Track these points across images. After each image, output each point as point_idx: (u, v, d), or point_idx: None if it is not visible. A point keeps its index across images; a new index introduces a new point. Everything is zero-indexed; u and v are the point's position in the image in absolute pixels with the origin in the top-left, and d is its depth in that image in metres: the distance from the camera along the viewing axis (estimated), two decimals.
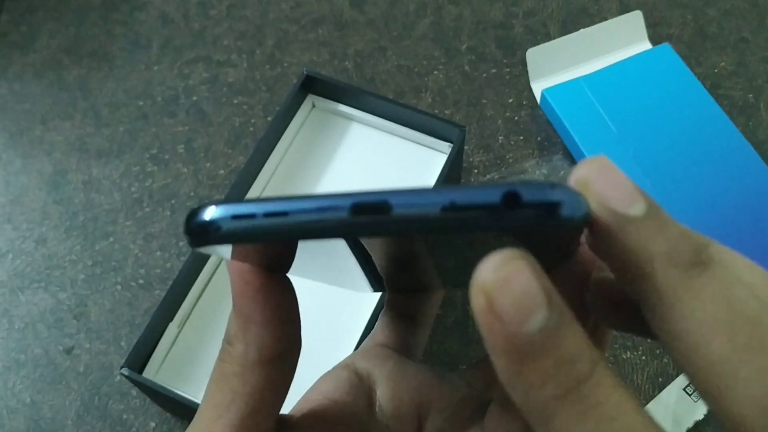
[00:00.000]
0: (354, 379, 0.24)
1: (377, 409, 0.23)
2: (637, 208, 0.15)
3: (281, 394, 0.20)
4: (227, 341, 0.20)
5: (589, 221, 0.15)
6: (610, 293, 0.18)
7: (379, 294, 0.41)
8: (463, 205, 0.14)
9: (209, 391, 0.20)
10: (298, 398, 0.24)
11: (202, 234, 0.15)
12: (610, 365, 0.14)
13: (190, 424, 0.20)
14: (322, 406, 0.23)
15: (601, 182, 0.15)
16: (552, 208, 0.14)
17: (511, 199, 0.14)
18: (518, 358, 0.13)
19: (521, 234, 0.14)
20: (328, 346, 0.43)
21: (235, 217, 0.15)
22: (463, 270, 0.20)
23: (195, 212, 0.16)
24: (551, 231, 0.14)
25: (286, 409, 0.21)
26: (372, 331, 0.28)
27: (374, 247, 0.18)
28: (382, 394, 0.24)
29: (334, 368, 0.25)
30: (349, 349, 0.42)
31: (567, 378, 0.13)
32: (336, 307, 0.44)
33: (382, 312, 0.28)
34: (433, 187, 0.14)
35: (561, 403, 0.13)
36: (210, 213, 0.15)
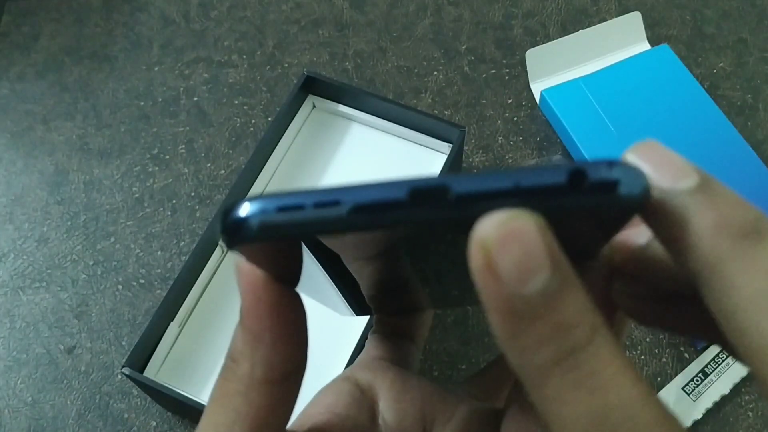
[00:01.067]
0: (356, 392, 0.23)
1: (380, 422, 0.22)
2: (689, 181, 0.14)
3: (286, 413, 0.19)
4: (231, 358, 0.18)
5: (649, 197, 0.14)
6: (635, 287, 0.18)
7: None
8: (526, 187, 0.13)
9: (210, 409, 0.19)
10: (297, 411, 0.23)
11: (244, 230, 0.14)
12: (610, 334, 0.13)
13: None
14: (324, 420, 0.22)
15: (653, 159, 0.15)
16: (615, 185, 0.13)
17: (577, 177, 0.13)
18: (515, 319, 0.13)
19: (573, 216, 0.14)
20: (323, 355, 0.43)
21: (282, 209, 0.14)
22: (460, 286, 0.19)
23: (233, 207, 0.14)
24: (613, 209, 0.14)
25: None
26: (365, 347, 0.27)
27: (364, 264, 0.17)
28: (385, 407, 0.23)
29: (335, 380, 0.24)
30: (343, 357, 0.42)
31: (563, 344, 0.13)
32: (329, 316, 0.44)
33: (371, 331, 0.27)
34: (489, 170, 0.13)
35: (555, 369, 0.13)
36: (249, 207, 0.14)
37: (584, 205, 0.13)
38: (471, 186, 0.13)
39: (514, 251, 0.12)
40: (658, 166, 0.15)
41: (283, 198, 0.14)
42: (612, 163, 0.13)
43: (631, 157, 0.15)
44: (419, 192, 0.13)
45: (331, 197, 0.13)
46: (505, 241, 0.12)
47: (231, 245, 0.14)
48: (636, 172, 0.13)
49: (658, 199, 0.14)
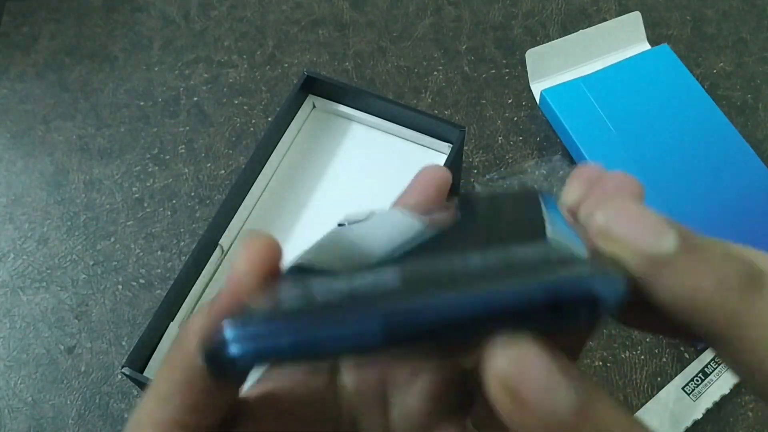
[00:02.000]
0: None
1: (338, 389, 0.22)
2: (668, 241, 0.14)
3: (236, 391, 0.19)
4: (189, 329, 0.18)
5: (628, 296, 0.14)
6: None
7: None
8: (509, 312, 0.13)
9: (156, 376, 0.18)
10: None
11: (226, 371, 0.15)
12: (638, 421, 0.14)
13: (136, 410, 0.19)
14: (278, 387, 0.21)
15: (622, 224, 0.14)
16: (595, 302, 0.13)
17: (554, 303, 0.13)
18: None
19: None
20: None
21: (258, 351, 0.14)
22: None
23: (215, 349, 0.15)
24: (592, 318, 0.13)
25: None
26: None
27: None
28: (344, 371, 0.22)
29: None
30: None
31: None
32: None
33: None
34: (461, 294, 0.13)
35: None
36: (232, 346, 0.14)
37: (565, 324, 0.13)
38: (451, 315, 0.13)
39: (535, 380, 0.13)
40: (631, 230, 0.14)
41: (259, 336, 0.14)
42: (588, 281, 0.13)
43: (602, 219, 0.15)
44: (393, 333, 0.13)
45: (304, 336, 0.14)
46: (523, 375, 0.13)
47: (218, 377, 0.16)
48: (613, 281, 0.13)
49: (645, 268, 0.14)
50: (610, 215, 0.15)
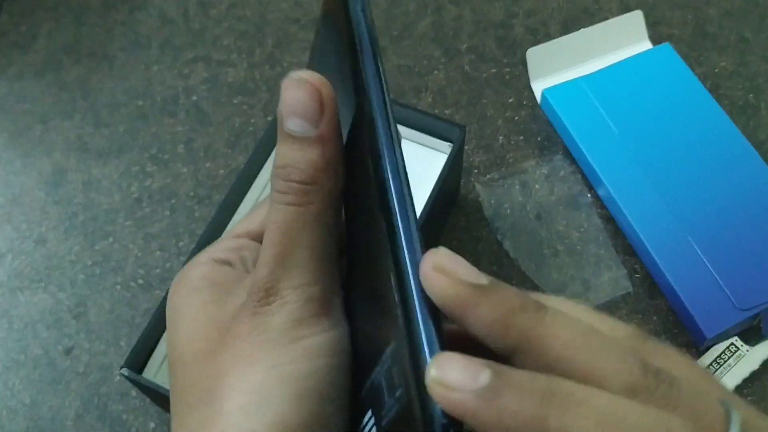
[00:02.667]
0: (241, 240, 0.27)
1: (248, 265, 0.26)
2: (484, 279, 0.19)
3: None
4: (303, 182, 0.22)
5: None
6: None
7: None
8: None
9: (294, 238, 0.23)
10: None
11: None
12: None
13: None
14: (205, 259, 0.26)
15: (452, 264, 0.19)
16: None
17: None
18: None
19: None
20: None
21: None
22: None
23: None
24: None
25: None
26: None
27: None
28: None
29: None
30: None
31: (535, 391, 0.17)
32: None
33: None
34: None
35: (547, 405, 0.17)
36: None
37: None
38: None
39: (456, 372, 0.18)
40: (459, 267, 0.19)
41: None
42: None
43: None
44: None
45: None
46: (446, 372, 0.17)
47: None
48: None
49: (460, 300, 0.19)
50: (442, 258, 0.19)
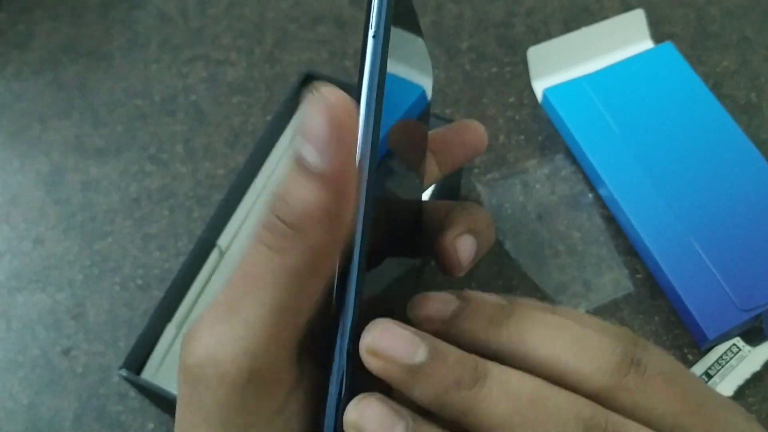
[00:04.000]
0: None
1: None
2: (421, 353, 0.19)
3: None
4: (289, 225, 0.18)
5: None
6: None
7: None
8: None
9: (256, 294, 0.19)
10: None
11: None
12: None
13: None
14: None
15: (386, 343, 0.19)
16: None
17: None
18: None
19: None
20: None
21: None
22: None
23: None
24: None
25: None
26: None
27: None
28: None
29: None
30: None
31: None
32: None
33: None
34: None
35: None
36: None
37: None
38: None
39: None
40: (392, 346, 0.19)
41: None
42: None
43: (369, 339, 0.19)
44: None
45: None
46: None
47: None
48: None
49: (405, 377, 0.19)
50: (375, 336, 0.19)
